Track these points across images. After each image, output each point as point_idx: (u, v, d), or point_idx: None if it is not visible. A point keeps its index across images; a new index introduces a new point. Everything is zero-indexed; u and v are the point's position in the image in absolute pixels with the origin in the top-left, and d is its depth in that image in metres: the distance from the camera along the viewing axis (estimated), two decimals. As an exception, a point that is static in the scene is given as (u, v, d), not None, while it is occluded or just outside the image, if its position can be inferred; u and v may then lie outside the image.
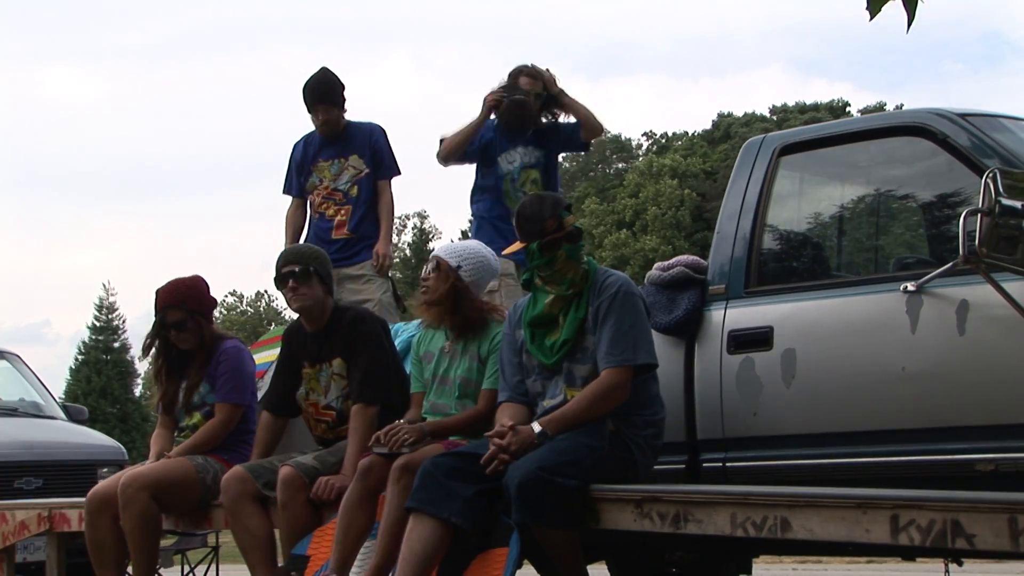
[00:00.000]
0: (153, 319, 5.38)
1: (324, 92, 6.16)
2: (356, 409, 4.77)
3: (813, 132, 4.70)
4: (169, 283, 5.39)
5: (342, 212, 6.17)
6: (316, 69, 6.24)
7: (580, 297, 4.25)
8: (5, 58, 71.89)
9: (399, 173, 6.35)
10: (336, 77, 6.21)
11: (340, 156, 6.23)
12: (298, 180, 6.33)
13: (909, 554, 4.20)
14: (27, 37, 71.31)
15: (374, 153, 6.25)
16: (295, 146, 6.37)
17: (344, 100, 6.23)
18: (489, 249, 4.81)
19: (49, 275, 68.28)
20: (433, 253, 4.74)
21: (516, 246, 4.40)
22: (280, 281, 4.97)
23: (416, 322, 5.23)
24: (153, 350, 5.40)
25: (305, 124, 6.34)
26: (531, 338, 4.32)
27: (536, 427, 4.08)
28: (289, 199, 6.41)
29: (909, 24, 2.75)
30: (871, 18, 2.78)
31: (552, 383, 4.28)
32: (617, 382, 4.08)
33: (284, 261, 4.98)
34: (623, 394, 4.10)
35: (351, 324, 4.91)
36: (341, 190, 6.20)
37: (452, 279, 4.60)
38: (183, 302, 5.30)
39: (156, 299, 5.34)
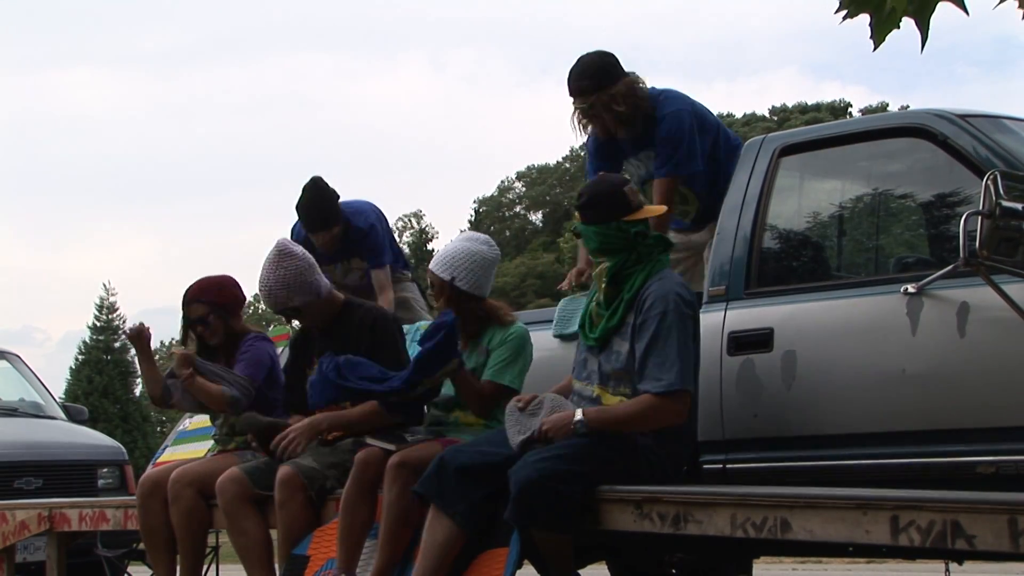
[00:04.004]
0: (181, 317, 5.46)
1: (321, 219, 5.98)
2: (372, 404, 4.76)
3: (814, 133, 4.70)
4: (196, 281, 5.45)
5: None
6: (307, 183, 6.00)
7: (620, 303, 4.17)
8: (22, 61, 72.05)
9: (392, 261, 6.25)
10: (328, 194, 5.99)
11: (343, 259, 6.16)
12: None
13: (909, 555, 4.20)
14: (43, 40, 71.41)
15: (368, 251, 6.15)
16: (295, 238, 6.10)
17: (339, 213, 6.01)
18: (479, 240, 4.67)
19: (39, 277, 68.38)
20: (429, 267, 4.67)
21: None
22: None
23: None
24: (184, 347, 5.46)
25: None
26: (588, 315, 4.30)
27: (578, 415, 4.00)
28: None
29: (923, 43, 2.74)
30: (875, 48, 2.77)
31: (584, 364, 4.26)
32: (670, 403, 3.99)
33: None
34: (679, 418, 4.04)
35: (372, 325, 4.88)
36: (351, 286, 6.08)
37: (448, 293, 4.57)
38: (203, 297, 5.37)
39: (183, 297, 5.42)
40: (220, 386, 5.17)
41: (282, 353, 5.86)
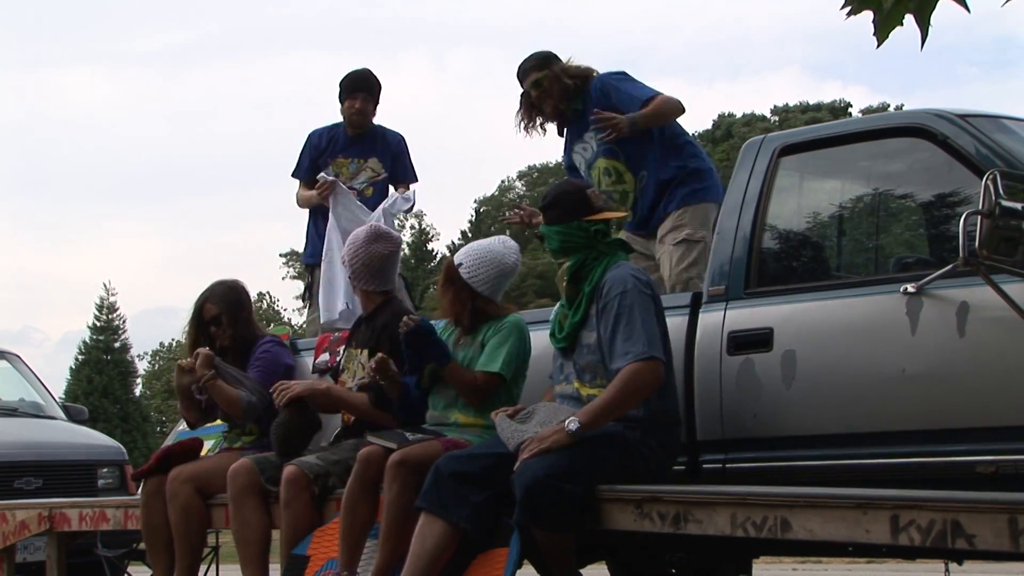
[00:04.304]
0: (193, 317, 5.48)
1: (368, 82, 6.33)
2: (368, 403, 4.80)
3: (813, 132, 4.70)
4: (212, 283, 5.50)
5: None
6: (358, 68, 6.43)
7: (582, 299, 4.26)
8: (21, 60, 72.03)
9: (417, 180, 6.50)
10: (378, 77, 6.38)
11: (360, 156, 6.33)
12: (312, 166, 6.38)
13: (909, 554, 4.21)
14: (42, 40, 71.40)
15: (395, 159, 6.39)
16: (315, 134, 6.43)
17: (379, 100, 6.37)
18: (505, 246, 4.71)
19: (38, 277, 68.34)
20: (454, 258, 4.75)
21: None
22: None
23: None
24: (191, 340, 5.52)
25: (319, 127, 6.41)
26: (557, 321, 4.39)
27: (572, 425, 3.99)
28: (297, 183, 6.49)
29: (923, 41, 2.75)
30: (879, 45, 2.79)
31: (560, 368, 4.35)
32: (644, 371, 4.04)
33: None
34: (655, 382, 4.07)
35: (383, 327, 4.92)
36: (356, 189, 6.27)
37: (451, 275, 4.64)
38: (218, 297, 5.40)
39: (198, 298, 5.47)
40: (238, 391, 5.21)
41: None
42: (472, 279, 4.60)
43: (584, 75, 5.48)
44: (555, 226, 4.33)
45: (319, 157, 6.35)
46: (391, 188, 6.42)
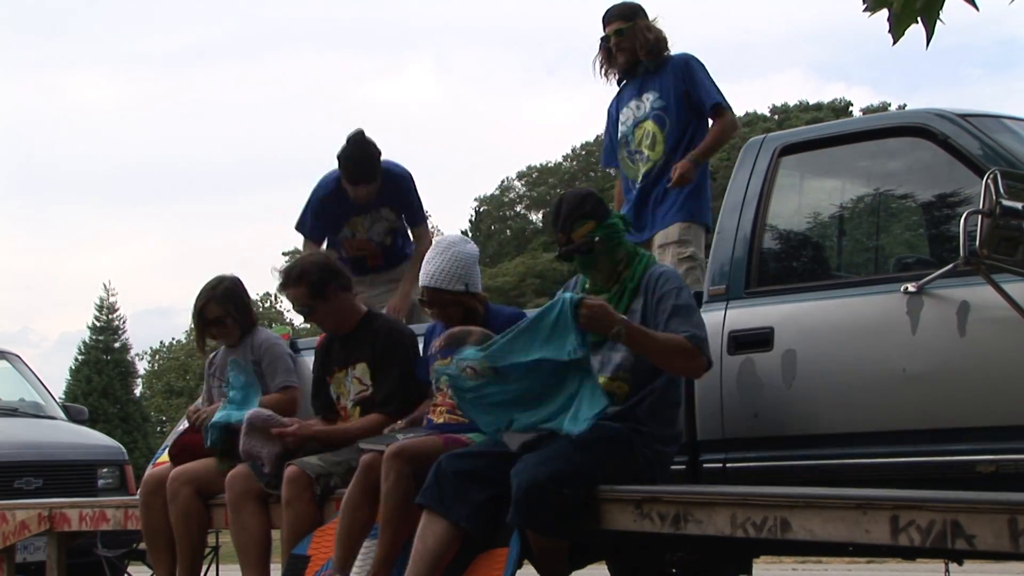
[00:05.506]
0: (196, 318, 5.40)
1: (367, 171, 5.95)
2: (375, 416, 4.81)
3: (814, 132, 4.70)
4: (209, 282, 5.40)
5: (376, 258, 6.23)
6: (353, 134, 5.94)
7: (623, 292, 4.20)
8: (23, 61, 72.08)
9: (424, 220, 6.36)
10: (374, 148, 5.96)
11: (373, 209, 6.14)
12: (321, 227, 6.20)
13: (909, 555, 4.21)
14: (44, 40, 71.45)
15: (404, 204, 6.19)
16: (320, 197, 6.15)
17: (380, 168, 6.00)
18: (460, 241, 4.69)
19: (36, 277, 68.37)
20: (426, 284, 4.58)
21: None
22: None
23: None
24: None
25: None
26: None
27: (618, 327, 3.90)
28: (302, 237, 6.28)
29: (928, 40, 2.77)
30: (894, 42, 2.81)
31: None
32: (695, 358, 4.00)
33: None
34: (697, 370, 4.06)
35: (386, 337, 4.90)
36: (375, 241, 6.20)
37: (469, 302, 4.59)
38: (219, 297, 5.32)
39: (196, 298, 5.37)
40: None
41: None
42: (477, 287, 4.59)
43: (662, 40, 5.50)
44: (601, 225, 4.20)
45: (336, 221, 6.15)
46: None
